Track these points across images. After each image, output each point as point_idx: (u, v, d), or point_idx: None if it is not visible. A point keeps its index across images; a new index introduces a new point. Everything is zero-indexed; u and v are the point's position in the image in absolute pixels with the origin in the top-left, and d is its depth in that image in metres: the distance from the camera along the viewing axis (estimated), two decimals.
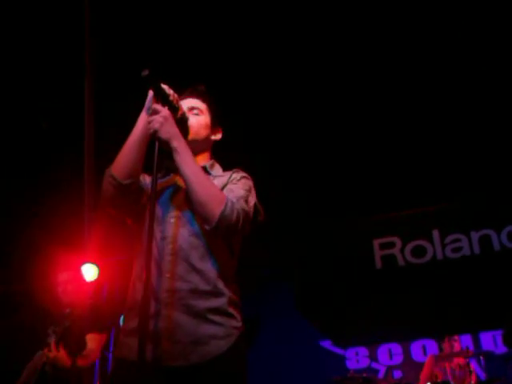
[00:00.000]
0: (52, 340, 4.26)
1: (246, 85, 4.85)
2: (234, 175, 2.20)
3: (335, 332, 6.74)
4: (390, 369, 7.05)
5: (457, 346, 5.86)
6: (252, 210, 2.10)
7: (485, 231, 5.85)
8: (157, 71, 1.95)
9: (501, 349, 6.52)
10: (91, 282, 5.98)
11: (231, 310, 2.02)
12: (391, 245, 5.95)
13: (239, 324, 2.03)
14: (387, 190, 6.11)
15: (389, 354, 7.11)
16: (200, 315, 1.94)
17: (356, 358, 7.19)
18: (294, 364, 6.99)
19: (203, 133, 2.28)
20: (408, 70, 4.97)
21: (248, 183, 2.19)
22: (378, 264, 5.91)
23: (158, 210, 2.10)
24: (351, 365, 7.16)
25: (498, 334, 6.47)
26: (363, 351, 7.21)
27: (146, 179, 2.21)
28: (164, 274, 1.98)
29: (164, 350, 1.88)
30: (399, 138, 5.69)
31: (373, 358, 7.14)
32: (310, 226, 6.52)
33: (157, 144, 1.98)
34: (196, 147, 2.21)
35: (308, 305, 6.25)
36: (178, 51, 4.51)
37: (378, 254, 5.97)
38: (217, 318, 1.96)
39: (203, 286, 1.98)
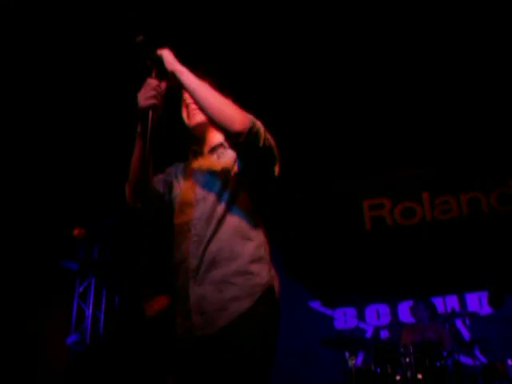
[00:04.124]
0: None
1: (245, 40, 4.77)
2: None
3: (324, 292, 6.79)
4: (377, 329, 7.13)
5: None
6: (268, 140, 2.08)
7: (474, 193, 5.90)
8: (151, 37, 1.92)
9: (485, 310, 6.61)
10: None
11: (253, 268, 2.02)
12: (381, 206, 5.97)
13: (263, 280, 2.02)
14: (377, 152, 6.10)
15: (376, 315, 7.19)
16: (222, 281, 1.98)
17: (344, 319, 7.26)
18: (282, 324, 7.02)
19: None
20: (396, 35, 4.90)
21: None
22: (368, 225, 5.95)
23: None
24: (339, 325, 7.24)
25: (484, 295, 6.54)
26: (351, 311, 7.28)
27: (171, 172, 2.35)
28: (188, 257, 2.07)
29: (193, 323, 1.98)
30: (389, 100, 5.65)
31: (360, 318, 7.21)
32: (300, 187, 6.52)
33: (150, 115, 1.94)
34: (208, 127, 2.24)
35: (296, 265, 6.28)
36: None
37: (367, 215, 5.99)
38: (238, 280, 1.98)
39: (222, 254, 2.01)
